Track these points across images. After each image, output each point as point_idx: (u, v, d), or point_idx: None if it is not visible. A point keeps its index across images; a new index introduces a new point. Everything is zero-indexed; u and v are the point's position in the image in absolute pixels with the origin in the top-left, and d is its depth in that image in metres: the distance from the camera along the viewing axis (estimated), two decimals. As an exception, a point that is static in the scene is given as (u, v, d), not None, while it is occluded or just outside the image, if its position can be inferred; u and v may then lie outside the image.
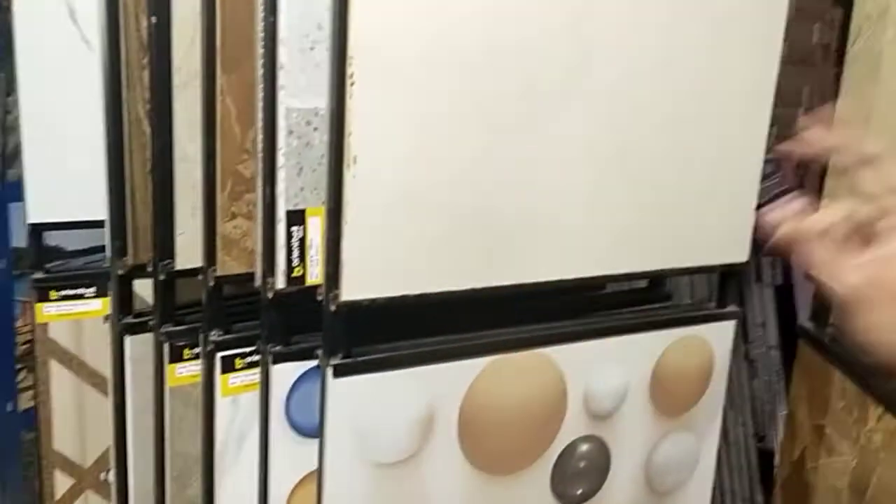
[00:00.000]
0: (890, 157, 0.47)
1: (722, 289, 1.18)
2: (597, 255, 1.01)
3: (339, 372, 0.93)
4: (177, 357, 1.03)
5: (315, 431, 0.99)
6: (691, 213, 1.07)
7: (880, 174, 0.46)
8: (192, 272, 1.01)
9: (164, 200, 0.99)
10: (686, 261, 1.09)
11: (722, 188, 1.08)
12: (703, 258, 1.11)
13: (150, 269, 1.03)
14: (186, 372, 1.05)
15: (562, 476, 1.09)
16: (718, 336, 1.17)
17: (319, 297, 0.93)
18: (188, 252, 1.00)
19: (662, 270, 1.09)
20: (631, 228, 1.02)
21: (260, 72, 0.89)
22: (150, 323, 1.05)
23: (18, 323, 1.57)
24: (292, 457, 1.00)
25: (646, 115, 0.99)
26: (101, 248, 1.25)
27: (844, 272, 0.44)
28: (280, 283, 0.93)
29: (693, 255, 1.09)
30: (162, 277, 1.00)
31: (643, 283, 1.26)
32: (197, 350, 1.04)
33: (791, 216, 0.46)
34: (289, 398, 0.98)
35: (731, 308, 1.18)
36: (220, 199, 0.95)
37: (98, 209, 1.04)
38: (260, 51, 0.88)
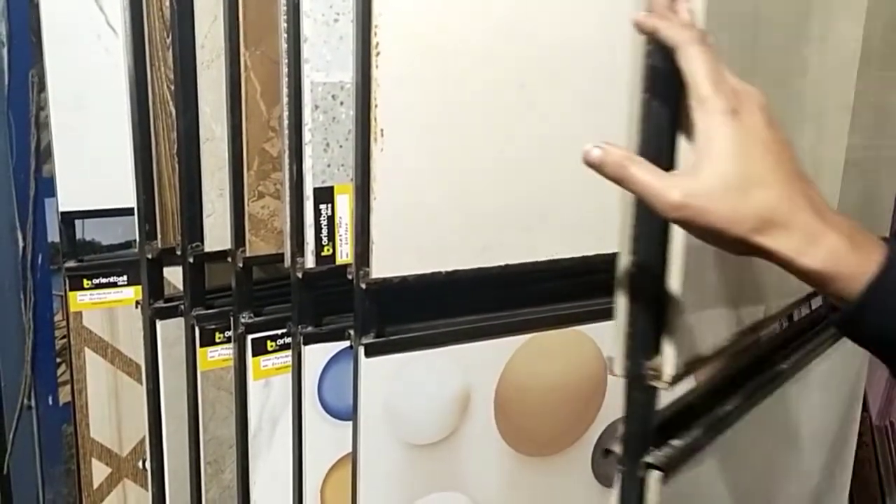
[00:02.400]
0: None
1: None
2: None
3: (371, 351, 0.91)
4: (208, 341, 1.03)
5: (349, 413, 0.97)
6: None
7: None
8: (220, 254, 1.00)
9: (190, 182, 0.98)
10: None
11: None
12: None
13: (179, 252, 1.02)
14: (218, 356, 1.04)
15: (603, 457, 1.06)
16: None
17: (350, 276, 0.91)
18: (217, 234, 0.99)
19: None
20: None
21: (284, 46, 0.87)
22: (181, 307, 1.04)
23: (57, 317, 1.58)
24: (326, 440, 0.98)
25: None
26: (134, 243, 1.25)
27: (660, 200, 0.45)
28: (309, 262, 0.91)
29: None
30: (191, 260, 0.99)
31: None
32: (228, 333, 1.03)
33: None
34: (321, 380, 0.97)
35: None
36: (248, 178, 0.93)
37: (128, 196, 1.03)
38: (283, 24, 0.87)
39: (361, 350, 0.90)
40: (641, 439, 0.59)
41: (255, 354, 0.98)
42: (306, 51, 0.85)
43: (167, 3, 0.95)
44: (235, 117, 0.91)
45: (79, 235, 1.27)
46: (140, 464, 1.29)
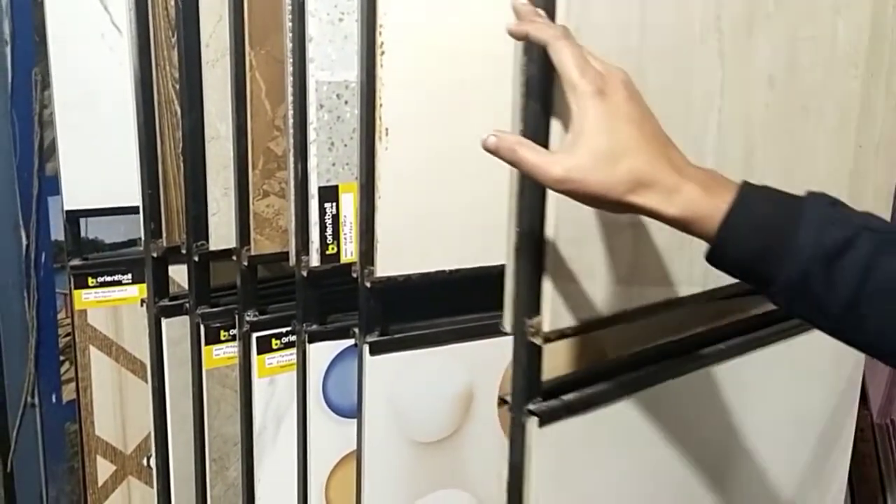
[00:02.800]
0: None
1: None
2: None
3: (376, 349, 0.91)
4: (213, 339, 1.03)
5: (353, 411, 0.98)
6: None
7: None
8: (225, 253, 1.00)
9: (195, 181, 0.98)
10: None
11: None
12: None
13: (184, 250, 1.02)
14: (223, 354, 1.04)
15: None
16: None
17: (354, 275, 0.92)
18: (221, 232, 1.00)
19: None
20: None
21: (289, 45, 0.88)
22: (186, 305, 1.04)
23: (60, 315, 1.58)
24: (331, 437, 0.99)
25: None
26: (137, 241, 1.26)
27: (545, 176, 0.53)
28: (314, 260, 0.91)
29: None
30: (196, 259, 0.99)
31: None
32: (233, 331, 1.03)
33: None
34: (326, 378, 0.97)
35: None
36: (253, 177, 0.94)
37: (133, 195, 1.04)
38: (288, 24, 0.87)
39: (366, 348, 0.91)
40: (525, 389, 0.68)
41: (259, 352, 0.99)
42: (311, 50, 0.85)
43: (172, 3, 0.96)
44: (240, 116, 0.92)
45: (82, 234, 1.27)
46: (144, 461, 1.30)
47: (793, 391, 1.06)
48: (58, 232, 1.46)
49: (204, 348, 1.03)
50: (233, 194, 0.97)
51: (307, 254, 0.92)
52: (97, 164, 1.17)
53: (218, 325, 1.03)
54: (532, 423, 0.68)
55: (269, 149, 0.94)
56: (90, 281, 1.22)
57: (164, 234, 1.02)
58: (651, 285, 0.76)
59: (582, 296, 0.69)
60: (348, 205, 0.92)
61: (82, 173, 1.18)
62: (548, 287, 0.65)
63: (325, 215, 0.91)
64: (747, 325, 0.99)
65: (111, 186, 1.17)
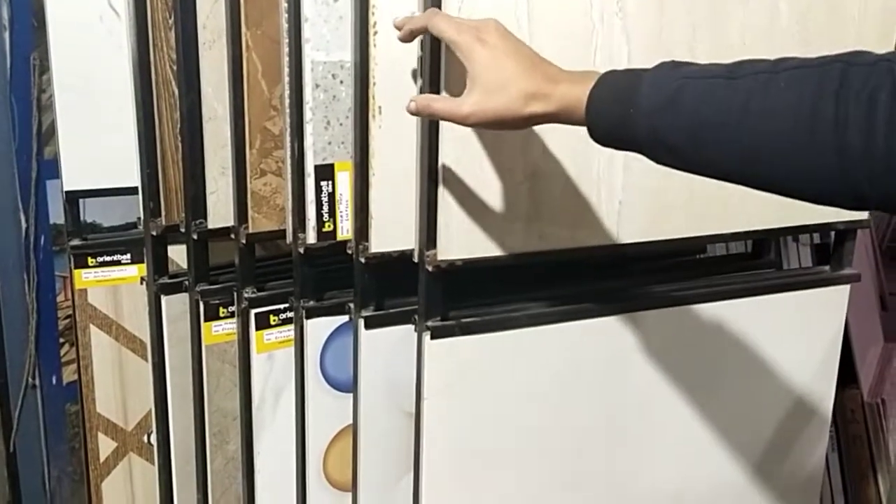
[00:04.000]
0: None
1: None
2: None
3: (371, 324, 0.94)
4: (212, 315, 1.05)
5: (350, 385, 1.00)
6: None
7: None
8: (223, 231, 1.02)
9: (194, 160, 1.00)
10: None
11: None
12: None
13: (182, 229, 1.04)
14: (222, 330, 1.07)
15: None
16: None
17: (350, 251, 0.94)
18: (220, 211, 1.02)
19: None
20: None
21: (284, 26, 0.89)
22: (185, 283, 1.06)
23: (59, 298, 1.60)
24: (328, 411, 1.01)
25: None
26: (135, 225, 1.28)
27: (456, 115, 0.70)
28: (311, 238, 0.93)
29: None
30: (195, 237, 1.01)
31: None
32: (232, 308, 1.05)
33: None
34: (323, 353, 0.99)
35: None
36: (250, 156, 0.96)
37: (131, 176, 1.06)
38: (284, 4, 0.89)
39: (361, 323, 0.93)
40: (425, 308, 0.87)
41: (258, 328, 1.01)
42: (307, 30, 0.87)
43: (169, -16, 0.97)
44: (237, 97, 0.94)
45: (80, 218, 1.29)
46: (145, 438, 1.32)
47: (760, 355, 1.09)
48: (56, 215, 1.48)
49: (203, 324, 1.05)
50: (230, 173, 0.99)
51: (304, 231, 0.94)
52: (96, 145, 1.18)
53: (217, 301, 1.05)
54: (426, 335, 0.87)
55: (266, 128, 0.96)
56: (90, 261, 1.24)
57: (163, 214, 1.04)
58: (552, 233, 0.90)
59: (475, 235, 0.86)
60: (344, 183, 0.94)
61: (81, 154, 1.19)
62: (439, 227, 0.84)
63: (321, 193, 0.93)
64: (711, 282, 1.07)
65: (110, 167, 1.19)
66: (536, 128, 0.86)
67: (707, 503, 1.12)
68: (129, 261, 1.26)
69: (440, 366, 0.88)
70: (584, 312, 0.96)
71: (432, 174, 0.83)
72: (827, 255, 1.18)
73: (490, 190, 0.86)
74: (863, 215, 1.11)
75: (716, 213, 1.00)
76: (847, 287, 1.14)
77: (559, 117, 0.67)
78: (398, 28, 0.77)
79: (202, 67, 0.96)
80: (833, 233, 1.15)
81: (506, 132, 0.84)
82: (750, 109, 0.54)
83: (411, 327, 0.94)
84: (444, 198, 0.83)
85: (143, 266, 1.23)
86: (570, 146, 0.88)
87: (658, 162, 0.63)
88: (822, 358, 1.17)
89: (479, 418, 0.92)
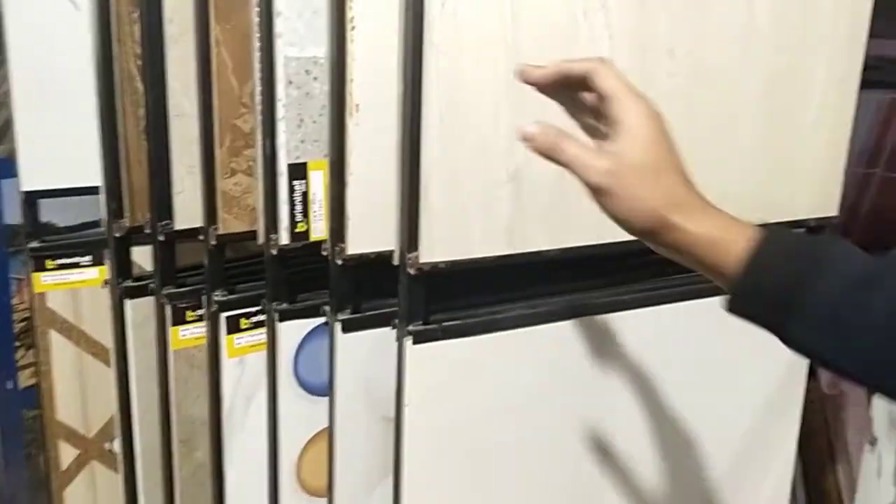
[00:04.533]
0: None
1: None
2: None
3: (348, 327, 0.91)
4: (179, 319, 1.02)
5: (324, 389, 0.98)
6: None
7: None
8: (191, 232, 0.99)
9: (159, 159, 0.96)
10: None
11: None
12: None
13: (148, 230, 1.00)
14: (189, 334, 1.03)
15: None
16: None
17: (324, 253, 0.91)
18: (187, 211, 0.98)
19: None
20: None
21: (256, 20, 0.86)
22: (151, 286, 1.03)
23: (14, 301, 1.54)
24: (302, 416, 0.99)
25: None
26: (94, 224, 1.23)
27: (588, 167, 0.56)
28: (284, 239, 0.91)
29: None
30: (161, 238, 0.98)
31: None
32: (200, 312, 1.02)
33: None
34: (296, 356, 0.97)
35: None
36: (220, 154, 0.92)
37: (92, 175, 1.01)
38: (255, -2, 0.86)
39: (338, 326, 0.91)
40: (407, 312, 0.84)
41: (228, 332, 0.98)
42: (279, 25, 0.84)
43: (133, -25, 0.93)
44: (206, 93, 0.90)
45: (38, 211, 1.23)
46: (108, 445, 1.28)
47: (721, 356, 1.09)
48: (11, 216, 1.42)
49: (170, 329, 1.01)
50: (199, 172, 0.95)
51: (276, 232, 0.91)
52: (55, 143, 1.13)
53: (184, 305, 1.01)
54: (408, 340, 0.83)
55: (237, 126, 0.93)
56: (48, 263, 1.19)
57: (127, 214, 1.00)
58: (534, 234, 0.87)
59: (458, 237, 0.83)
60: (317, 182, 0.91)
61: (40, 153, 1.14)
62: (421, 228, 0.81)
63: (294, 193, 0.90)
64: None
65: (70, 166, 1.14)
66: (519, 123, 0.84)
67: (683, 501, 1.12)
68: (89, 263, 1.21)
69: (423, 371, 0.86)
70: (566, 313, 0.95)
71: (414, 174, 0.81)
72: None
73: (473, 190, 0.84)
74: (832, 212, 1.12)
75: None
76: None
77: (697, 243, 0.55)
78: (525, 75, 0.62)
79: (168, 62, 0.93)
80: (804, 229, 1.16)
81: (489, 132, 0.83)
82: None
83: (388, 330, 0.92)
84: (427, 198, 0.81)
85: (105, 268, 1.19)
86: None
87: (806, 350, 0.54)
88: (792, 355, 1.17)
89: (461, 423, 0.90)
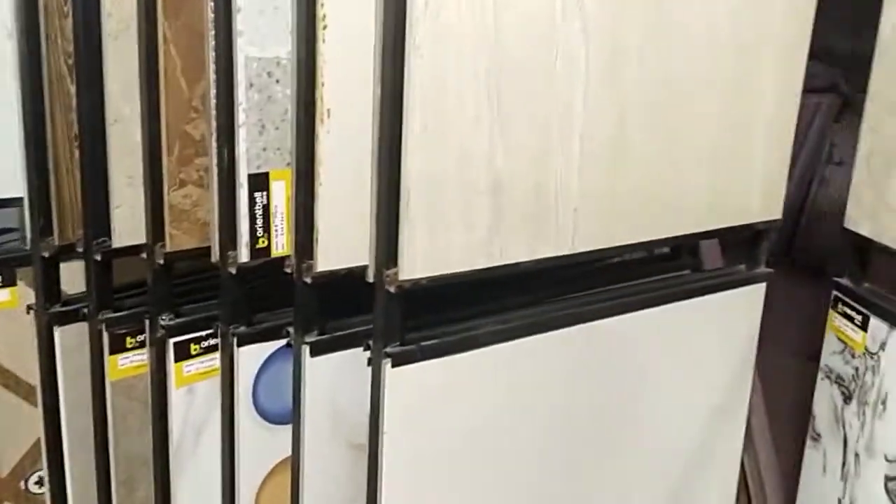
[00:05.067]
0: None
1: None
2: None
3: (316, 350, 0.85)
4: (118, 347, 0.92)
5: (285, 416, 0.91)
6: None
7: None
8: (132, 250, 0.89)
9: (94, 169, 0.86)
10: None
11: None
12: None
13: (80, 248, 0.90)
14: (129, 363, 0.93)
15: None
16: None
17: (288, 270, 0.84)
18: (127, 227, 0.88)
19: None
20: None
21: (211, 17, 0.78)
22: (85, 310, 0.92)
23: None
24: (261, 446, 0.91)
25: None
26: (4, 231, 1.11)
27: None
28: (244, 256, 0.83)
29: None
30: (97, 258, 0.88)
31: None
32: (141, 338, 0.92)
33: None
34: (256, 383, 0.89)
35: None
36: (168, 164, 0.83)
37: (14, 187, 0.90)
38: (210, -8, 0.78)
39: (306, 350, 0.84)
40: (383, 333, 0.78)
41: (177, 360, 0.89)
42: (240, 22, 0.77)
43: (62, -37, 0.83)
44: (152, 96, 0.81)
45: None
46: (23, 484, 1.15)
47: (681, 360, 1.10)
48: None
49: (108, 358, 0.91)
50: (141, 184, 0.86)
51: (234, 249, 0.83)
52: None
53: (124, 331, 0.91)
54: (386, 363, 0.78)
55: (187, 132, 0.84)
56: (-50, 286, 1.06)
57: (56, 231, 0.90)
58: (513, 246, 0.84)
59: (438, 251, 0.78)
60: (280, 193, 0.84)
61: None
62: (402, 243, 0.75)
63: (255, 206, 0.82)
64: (629, 290, 1.07)
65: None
66: (499, 130, 0.80)
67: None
68: (-1, 283, 1.08)
69: (401, 395, 0.80)
70: (541, 326, 0.91)
71: (394, 185, 0.75)
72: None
73: (454, 202, 0.79)
74: (778, 215, 1.14)
75: (658, 218, 0.98)
76: (763, 285, 1.17)
77: None
78: None
79: (106, 62, 0.83)
80: (749, 233, 1.18)
81: (470, 140, 0.78)
82: None
83: (356, 351, 0.86)
84: (408, 211, 0.76)
85: (16, 289, 1.07)
86: (531, 153, 0.83)
87: None
88: (742, 356, 1.19)
89: (441, 446, 0.85)
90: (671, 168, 0.97)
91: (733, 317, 1.16)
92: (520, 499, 0.94)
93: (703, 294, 1.11)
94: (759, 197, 1.10)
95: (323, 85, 0.76)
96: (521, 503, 0.95)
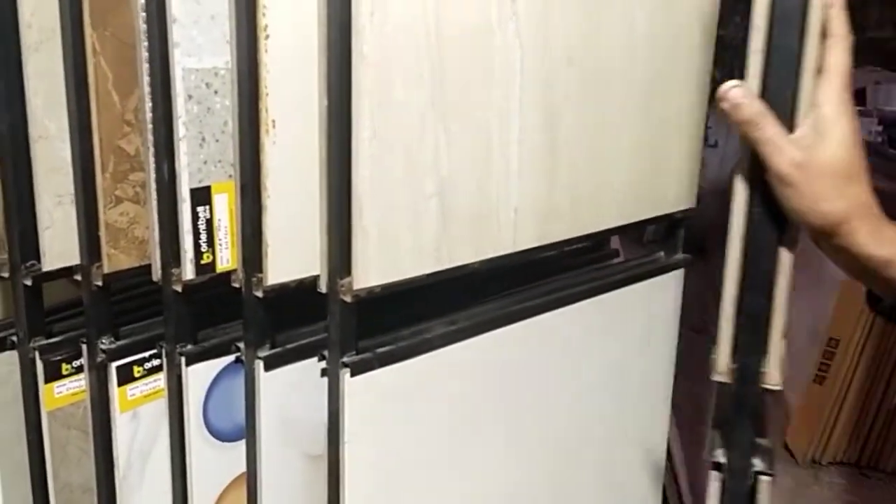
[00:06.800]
0: None
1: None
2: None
3: (270, 364, 0.83)
4: (54, 375, 0.87)
5: (237, 434, 0.89)
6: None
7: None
8: (64, 272, 0.85)
9: (19, 189, 0.81)
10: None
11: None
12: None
13: (5, 274, 0.85)
14: (66, 390, 0.89)
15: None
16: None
17: (236, 284, 0.82)
18: (58, 249, 0.84)
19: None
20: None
21: (142, 27, 0.75)
22: (15, 338, 0.87)
23: None
24: (214, 465, 0.89)
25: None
26: None
27: (782, 153, 0.53)
28: (189, 273, 0.81)
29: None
30: (27, 283, 0.83)
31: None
32: (77, 363, 0.88)
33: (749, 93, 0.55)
34: (206, 401, 0.86)
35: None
36: (102, 181, 0.80)
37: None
38: (140, 0, 0.75)
39: (260, 365, 0.82)
40: (339, 343, 0.78)
41: (120, 384, 0.85)
42: (176, 33, 0.74)
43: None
44: (82, 111, 0.77)
45: None
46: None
47: (612, 346, 1.15)
48: None
49: (43, 387, 0.86)
50: (71, 203, 0.82)
51: (178, 266, 0.81)
52: None
53: (59, 357, 0.87)
54: (345, 373, 0.77)
55: (121, 148, 0.80)
56: None
57: (-22, 256, 0.84)
58: (459, 248, 0.85)
59: (391, 257, 0.78)
60: (222, 207, 0.82)
61: None
62: (355, 251, 0.75)
63: (198, 220, 0.80)
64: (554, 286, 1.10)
65: None
66: (443, 135, 0.81)
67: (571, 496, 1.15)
68: None
69: (362, 404, 0.80)
70: (487, 325, 0.93)
71: (345, 194, 0.75)
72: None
73: (402, 208, 0.79)
74: (692, 203, 1.20)
75: (589, 213, 1.01)
76: (682, 271, 1.23)
77: (862, 258, 0.53)
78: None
79: (27, 75, 0.78)
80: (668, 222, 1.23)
81: (416, 146, 0.78)
82: None
83: (308, 362, 0.85)
84: (361, 220, 0.75)
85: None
86: (473, 157, 0.84)
87: None
88: (667, 336, 1.25)
89: (401, 450, 0.85)
90: (599, 165, 1.00)
91: (658, 301, 1.21)
92: (483, 494, 0.96)
93: (630, 283, 1.15)
94: (676, 187, 1.15)
95: (267, 95, 0.75)
96: (485, 498, 0.96)
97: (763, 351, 0.60)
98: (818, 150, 0.52)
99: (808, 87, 0.56)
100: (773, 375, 0.59)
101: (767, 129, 0.53)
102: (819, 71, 0.55)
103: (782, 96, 0.56)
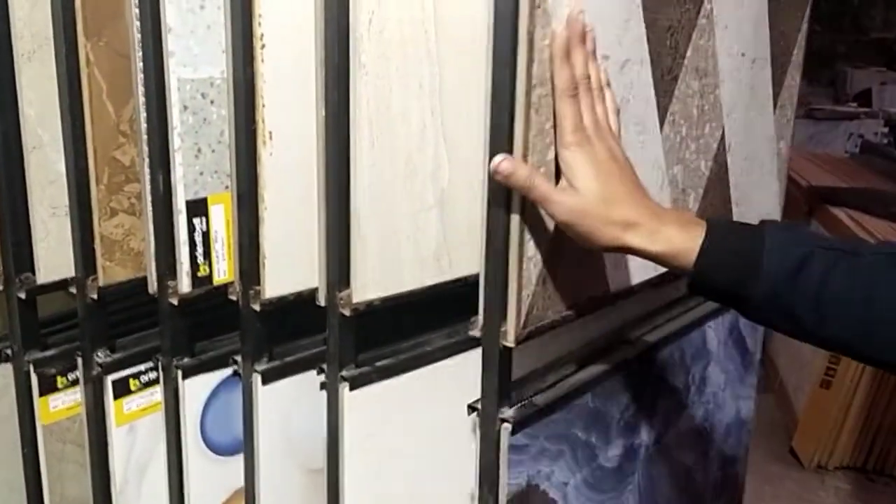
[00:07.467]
0: None
1: None
2: None
3: (268, 378, 0.82)
4: (49, 388, 0.86)
5: (236, 448, 0.87)
6: None
7: None
8: (59, 285, 0.83)
9: (13, 201, 0.80)
10: None
11: None
12: None
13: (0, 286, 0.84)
14: (61, 404, 0.88)
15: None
16: None
17: (233, 297, 0.81)
18: (53, 261, 0.83)
19: None
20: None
21: (137, 37, 0.74)
22: (9, 351, 0.86)
23: None
24: (212, 480, 0.88)
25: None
26: None
27: (555, 205, 0.60)
28: (185, 286, 0.79)
29: None
30: (22, 296, 0.82)
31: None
32: (73, 376, 0.87)
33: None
34: (203, 415, 0.85)
35: None
36: (97, 193, 0.79)
37: None
38: (135, 10, 0.73)
39: (258, 379, 0.81)
40: (338, 357, 0.76)
41: (116, 397, 0.84)
42: (171, 43, 0.73)
43: (-36, -19, 0.76)
44: (77, 121, 0.76)
45: None
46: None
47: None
48: None
49: (38, 400, 0.85)
50: (66, 215, 0.81)
51: (174, 278, 0.79)
52: None
53: (54, 371, 0.86)
54: (344, 387, 0.77)
55: (116, 159, 0.79)
56: None
57: (-29, 269, 0.83)
58: (460, 259, 0.83)
59: (391, 269, 0.77)
60: (219, 218, 0.81)
61: None
62: (354, 263, 0.74)
63: (194, 232, 0.79)
64: None
65: None
66: (443, 144, 0.79)
67: None
68: None
69: (361, 417, 0.79)
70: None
71: (344, 205, 0.73)
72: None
73: (403, 218, 0.78)
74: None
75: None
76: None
77: (657, 258, 0.61)
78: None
79: (21, 85, 0.77)
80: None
81: (416, 156, 0.77)
82: (874, 292, 0.55)
83: (308, 375, 0.84)
84: (360, 231, 0.74)
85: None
86: (471, 164, 0.83)
87: (768, 325, 0.62)
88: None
89: (401, 464, 0.84)
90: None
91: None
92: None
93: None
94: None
95: (264, 106, 0.74)
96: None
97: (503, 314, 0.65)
98: (575, 193, 0.60)
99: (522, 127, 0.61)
100: (508, 333, 0.65)
101: (540, 189, 0.60)
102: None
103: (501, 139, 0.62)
